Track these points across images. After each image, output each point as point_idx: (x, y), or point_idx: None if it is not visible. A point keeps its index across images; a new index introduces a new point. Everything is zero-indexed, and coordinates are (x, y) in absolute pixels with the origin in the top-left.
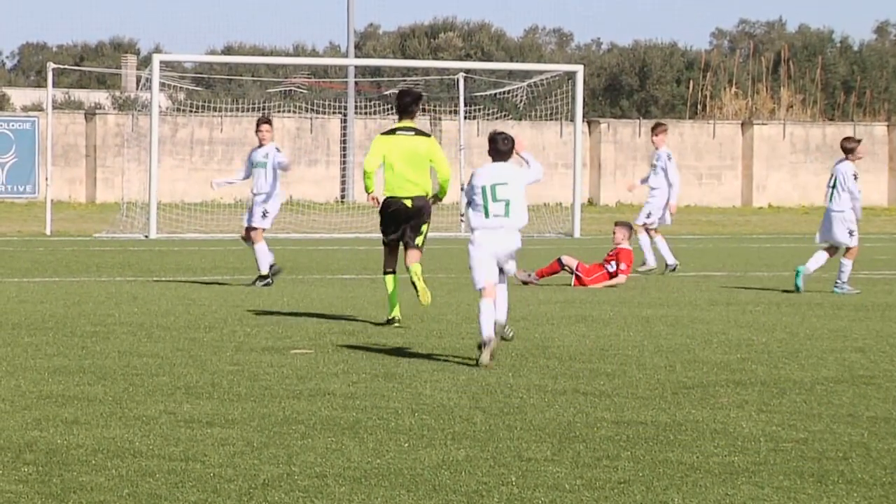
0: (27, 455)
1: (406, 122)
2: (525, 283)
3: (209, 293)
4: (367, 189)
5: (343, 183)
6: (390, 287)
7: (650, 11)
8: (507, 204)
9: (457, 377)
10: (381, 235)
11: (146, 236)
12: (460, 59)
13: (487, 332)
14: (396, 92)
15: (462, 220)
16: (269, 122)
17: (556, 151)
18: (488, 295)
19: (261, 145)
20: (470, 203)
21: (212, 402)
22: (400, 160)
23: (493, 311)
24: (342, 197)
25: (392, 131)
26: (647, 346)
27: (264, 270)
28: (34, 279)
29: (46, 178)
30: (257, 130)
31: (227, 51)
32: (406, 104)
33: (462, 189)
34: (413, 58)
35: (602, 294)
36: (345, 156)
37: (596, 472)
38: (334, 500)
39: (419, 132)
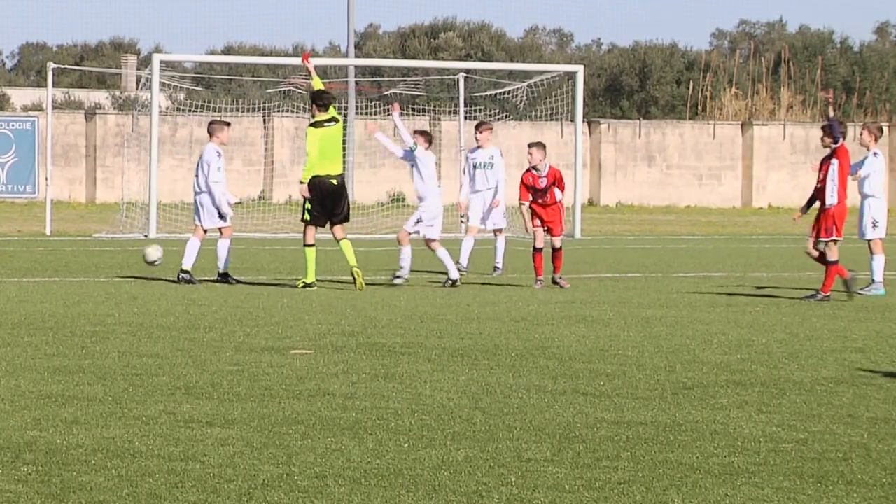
0: (27, 455)
1: (332, 114)
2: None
3: (209, 293)
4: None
5: None
6: (313, 257)
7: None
8: None
9: (456, 378)
10: (384, 236)
11: (146, 236)
12: (460, 59)
13: None
14: (396, 92)
15: (462, 221)
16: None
17: (556, 152)
18: None
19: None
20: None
21: (211, 403)
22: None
23: None
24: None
25: (320, 123)
26: (647, 346)
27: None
28: (34, 279)
29: (46, 178)
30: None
31: (227, 51)
32: (329, 100)
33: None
34: (413, 58)
35: (602, 294)
36: (345, 156)
37: (596, 473)
38: (334, 501)
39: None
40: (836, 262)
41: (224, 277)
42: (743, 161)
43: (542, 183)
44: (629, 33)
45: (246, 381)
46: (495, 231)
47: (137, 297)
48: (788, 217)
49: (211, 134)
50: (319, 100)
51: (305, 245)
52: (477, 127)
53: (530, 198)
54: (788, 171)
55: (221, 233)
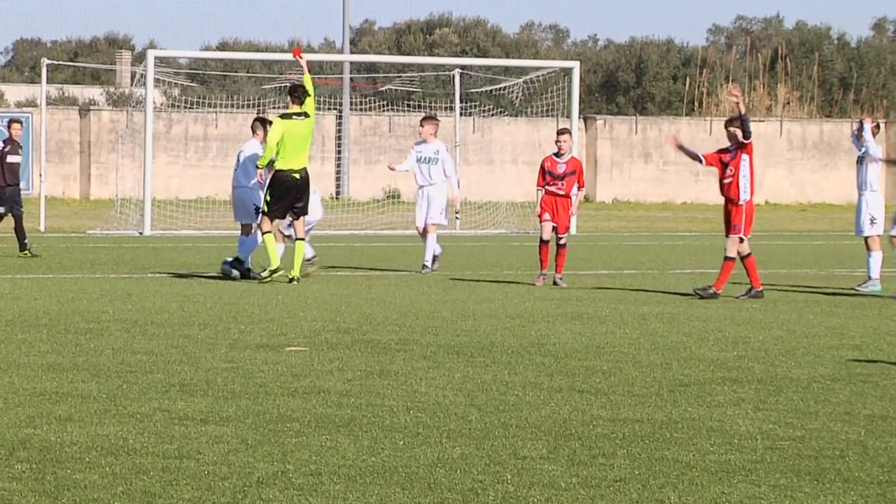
0: (20, 452)
1: (306, 109)
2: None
3: (204, 290)
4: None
5: (338, 179)
6: (274, 244)
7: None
8: None
9: (452, 375)
10: (376, 232)
11: (140, 233)
12: (456, 55)
13: None
14: (391, 88)
15: (458, 218)
16: None
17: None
18: None
19: None
20: None
21: (206, 400)
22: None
23: None
24: (337, 193)
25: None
26: (644, 343)
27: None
28: (28, 276)
29: (40, 175)
30: None
31: (222, 47)
32: (302, 94)
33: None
34: (409, 54)
35: (598, 291)
36: (340, 152)
37: (592, 471)
38: (329, 499)
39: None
40: (733, 259)
41: (246, 272)
42: None
43: (561, 169)
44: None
45: (241, 379)
46: (428, 227)
47: (132, 294)
48: (786, 213)
49: (253, 131)
50: (294, 93)
51: (263, 232)
52: (421, 121)
53: (544, 183)
54: (785, 167)
55: (249, 229)
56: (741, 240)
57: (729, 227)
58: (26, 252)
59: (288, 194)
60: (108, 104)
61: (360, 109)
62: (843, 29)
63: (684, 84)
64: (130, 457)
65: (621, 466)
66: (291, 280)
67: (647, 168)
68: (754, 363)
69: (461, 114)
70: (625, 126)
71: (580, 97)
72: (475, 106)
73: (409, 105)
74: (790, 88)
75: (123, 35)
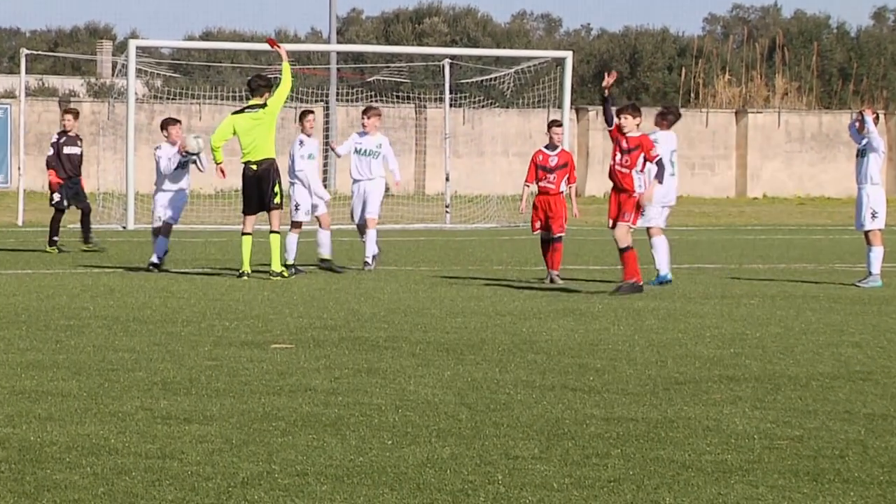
0: None
1: (261, 101)
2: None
3: (188, 286)
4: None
5: (325, 173)
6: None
7: None
8: None
9: (441, 373)
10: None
11: (124, 227)
12: (446, 45)
13: None
14: (379, 79)
15: (447, 212)
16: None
17: (543, 139)
18: None
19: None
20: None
21: (189, 398)
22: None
23: None
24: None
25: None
26: (638, 340)
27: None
28: (6, 271)
29: (19, 168)
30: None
31: (206, 36)
32: (256, 85)
33: (447, 179)
34: (397, 44)
35: (591, 286)
36: (327, 144)
37: (585, 471)
38: (315, 499)
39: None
40: (631, 246)
41: (293, 268)
42: (737, 150)
43: (553, 162)
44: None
45: (225, 377)
46: (368, 221)
47: (114, 290)
48: (784, 207)
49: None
50: (250, 84)
51: (242, 233)
52: (364, 112)
53: (535, 181)
54: (784, 159)
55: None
56: (629, 228)
57: (618, 215)
58: (91, 245)
59: (249, 187)
60: (89, 95)
61: (348, 100)
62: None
63: (680, 75)
64: (112, 457)
65: (615, 467)
66: (272, 274)
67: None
68: (751, 361)
69: (451, 105)
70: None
71: (572, 88)
72: (465, 97)
73: (397, 96)
74: (788, 79)
75: (105, 24)
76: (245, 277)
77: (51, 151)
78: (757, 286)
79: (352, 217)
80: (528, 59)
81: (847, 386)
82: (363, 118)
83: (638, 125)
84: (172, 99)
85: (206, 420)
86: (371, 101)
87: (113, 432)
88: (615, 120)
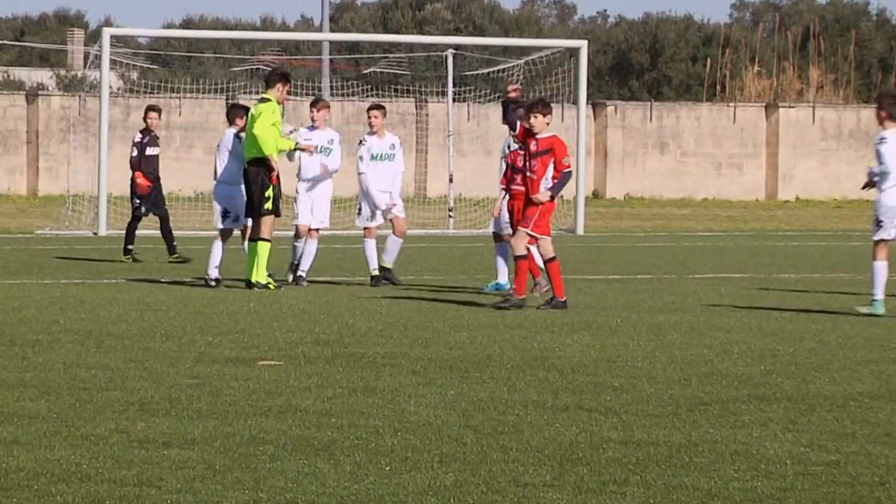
0: None
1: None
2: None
3: (166, 297)
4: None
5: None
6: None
7: None
8: None
9: (445, 392)
10: (360, 231)
11: (95, 233)
12: (449, 33)
13: None
14: (376, 71)
15: (451, 216)
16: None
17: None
18: None
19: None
20: None
21: (169, 420)
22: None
23: None
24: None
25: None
26: (660, 356)
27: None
28: None
29: None
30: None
31: (186, 24)
32: (269, 78)
33: (450, 181)
34: (396, 32)
35: (609, 298)
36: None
37: (601, 499)
38: None
39: (262, 100)
40: (525, 257)
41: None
42: (767, 148)
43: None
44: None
45: (207, 397)
46: (313, 231)
47: (85, 302)
48: (819, 211)
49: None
50: (266, 76)
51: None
52: (313, 104)
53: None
54: (818, 158)
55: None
56: (534, 237)
57: (520, 220)
58: (176, 256)
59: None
60: (59, 89)
61: (341, 95)
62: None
63: (704, 66)
64: (84, 484)
65: (634, 495)
66: (249, 284)
67: (662, 160)
68: (783, 379)
69: (454, 99)
70: (638, 113)
71: (588, 81)
72: (470, 90)
73: (396, 90)
74: (824, 70)
75: (76, 11)
76: (255, 287)
77: (134, 152)
78: (789, 297)
79: (301, 219)
80: (540, 48)
81: (888, 406)
82: (313, 111)
83: (548, 124)
84: (150, 92)
85: (187, 444)
86: (368, 96)
87: (85, 457)
88: (523, 121)
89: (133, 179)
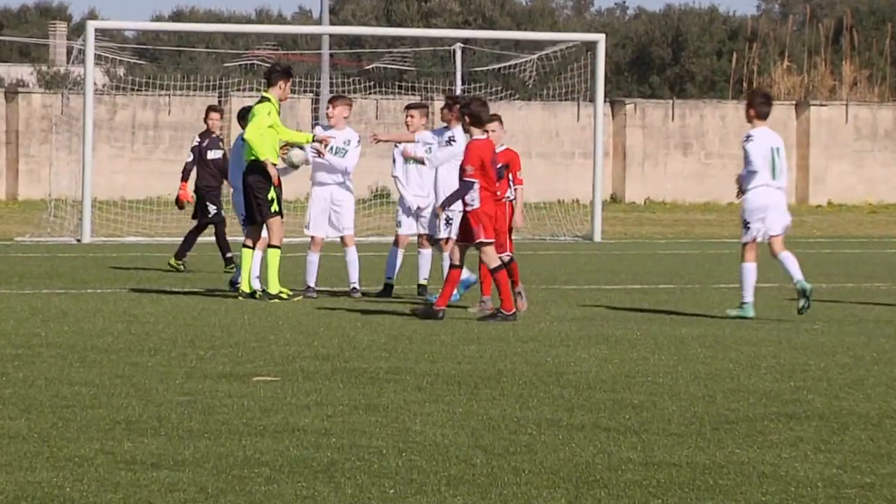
0: None
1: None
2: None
3: (154, 309)
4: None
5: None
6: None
7: None
8: None
9: (453, 410)
10: (359, 239)
11: (78, 240)
12: (457, 26)
13: None
14: (379, 67)
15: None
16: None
17: (572, 138)
18: None
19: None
20: None
21: (158, 440)
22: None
23: None
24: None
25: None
26: (682, 372)
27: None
28: None
29: None
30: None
31: (176, 17)
32: (269, 75)
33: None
34: (400, 25)
35: (627, 310)
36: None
37: None
38: None
39: (262, 99)
40: (503, 267)
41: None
42: (797, 149)
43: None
44: None
45: (199, 415)
46: (347, 238)
47: (68, 314)
48: (853, 216)
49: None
50: (266, 72)
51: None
52: (331, 101)
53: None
54: (852, 160)
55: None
56: (488, 243)
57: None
58: (232, 267)
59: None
60: (40, 86)
61: (342, 91)
62: None
63: (730, 61)
64: None
65: None
66: (241, 293)
67: (686, 161)
68: (815, 396)
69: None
70: (659, 111)
71: (606, 77)
72: (480, 87)
73: (400, 87)
74: (857, 66)
75: (58, 3)
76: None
77: (190, 157)
78: (820, 309)
79: (317, 231)
80: (554, 42)
81: None
82: (329, 108)
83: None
84: (137, 90)
85: (178, 465)
86: (371, 92)
87: (69, 479)
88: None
89: (193, 186)
